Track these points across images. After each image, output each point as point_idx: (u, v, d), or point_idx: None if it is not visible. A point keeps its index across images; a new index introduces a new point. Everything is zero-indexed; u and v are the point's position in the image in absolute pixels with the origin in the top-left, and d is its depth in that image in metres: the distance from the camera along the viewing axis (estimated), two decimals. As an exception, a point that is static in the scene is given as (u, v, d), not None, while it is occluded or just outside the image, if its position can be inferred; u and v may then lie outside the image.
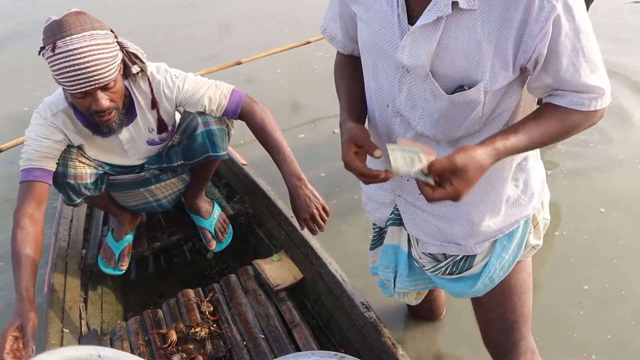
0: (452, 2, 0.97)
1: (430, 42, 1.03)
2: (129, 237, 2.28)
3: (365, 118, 1.31)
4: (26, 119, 1.97)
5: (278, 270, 2.10)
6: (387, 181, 1.15)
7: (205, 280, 2.24)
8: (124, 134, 1.94)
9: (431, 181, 1.02)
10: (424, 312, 2.09)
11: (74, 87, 1.62)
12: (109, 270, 2.21)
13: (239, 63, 3.71)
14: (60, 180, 1.90)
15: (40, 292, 2.06)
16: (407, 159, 1.03)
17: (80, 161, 1.93)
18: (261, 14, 6.02)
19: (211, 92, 1.95)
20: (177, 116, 2.08)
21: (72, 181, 1.91)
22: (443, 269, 1.35)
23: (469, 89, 1.05)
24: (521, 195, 1.26)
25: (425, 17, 1.02)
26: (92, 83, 1.62)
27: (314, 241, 2.08)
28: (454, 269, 1.35)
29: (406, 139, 1.11)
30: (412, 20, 1.06)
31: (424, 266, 1.39)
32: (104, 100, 1.68)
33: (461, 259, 1.33)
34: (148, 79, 1.88)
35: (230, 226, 2.42)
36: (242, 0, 6.63)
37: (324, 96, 3.71)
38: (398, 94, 1.16)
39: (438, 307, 2.08)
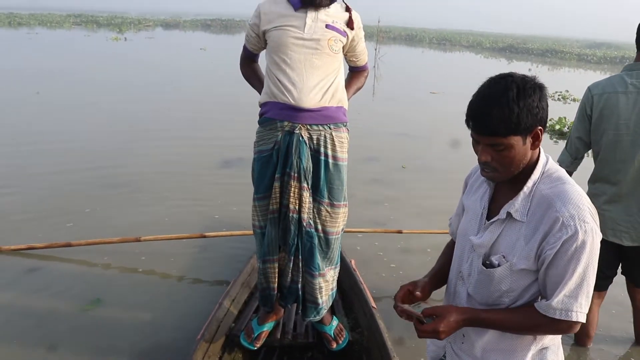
0: (507, 212, 1.49)
1: (492, 234, 1.54)
2: (269, 325, 2.91)
3: (437, 284, 1.78)
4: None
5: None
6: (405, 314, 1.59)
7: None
8: None
9: (422, 319, 1.52)
10: None
11: None
12: (245, 343, 2.83)
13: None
14: None
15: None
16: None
17: None
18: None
19: None
20: None
21: None
22: None
23: (499, 266, 1.51)
24: None
25: (494, 218, 1.54)
26: None
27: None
28: None
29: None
30: (490, 217, 1.59)
31: None
32: None
33: None
34: None
35: (346, 332, 2.93)
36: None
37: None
38: (464, 263, 1.65)
39: None
